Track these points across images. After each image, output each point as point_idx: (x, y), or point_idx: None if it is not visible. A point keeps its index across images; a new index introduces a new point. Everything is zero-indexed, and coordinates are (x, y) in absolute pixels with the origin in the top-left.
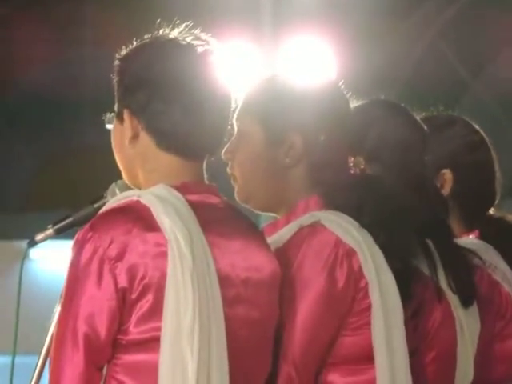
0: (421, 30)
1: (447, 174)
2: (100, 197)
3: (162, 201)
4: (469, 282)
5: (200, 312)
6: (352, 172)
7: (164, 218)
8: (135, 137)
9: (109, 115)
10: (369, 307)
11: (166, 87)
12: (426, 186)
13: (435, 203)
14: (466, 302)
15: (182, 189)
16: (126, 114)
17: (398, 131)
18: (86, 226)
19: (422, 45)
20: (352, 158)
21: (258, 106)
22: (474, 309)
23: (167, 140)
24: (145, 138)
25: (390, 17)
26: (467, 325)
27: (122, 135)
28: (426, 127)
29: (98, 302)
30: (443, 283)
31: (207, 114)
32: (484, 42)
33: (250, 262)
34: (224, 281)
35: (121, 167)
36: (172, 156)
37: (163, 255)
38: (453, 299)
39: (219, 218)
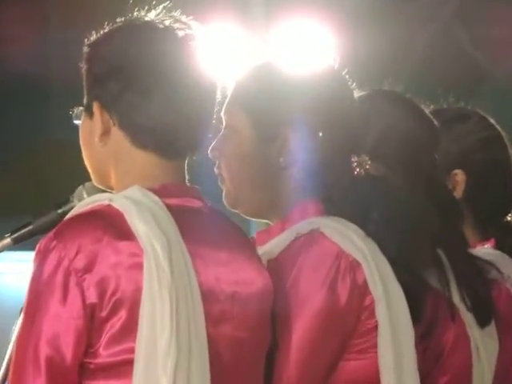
0: (431, 10)
1: (459, 174)
2: (65, 201)
3: (137, 205)
4: (486, 297)
5: (178, 332)
6: (356, 173)
7: (139, 225)
8: (106, 133)
9: (77, 109)
10: (375, 327)
11: (140, 76)
12: (436, 189)
13: (447, 209)
14: (482, 321)
15: (161, 192)
16: (95, 107)
17: (404, 126)
18: (50, 234)
19: (432, 28)
20: (356, 157)
21: (248, 97)
22: (492, 328)
23: (143, 136)
24: (117, 135)
25: None
26: (484, 346)
27: (92, 131)
28: (436, 122)
29: (63, 320)
30: (456, 299)
31: (189, 106)
32: (504, 23)
33: (238, 274)
34: (207, 296)
35: (89, 168)
36: (149, 154)
37: (138, 267)
38: (467, 317)
39: (203, 225)
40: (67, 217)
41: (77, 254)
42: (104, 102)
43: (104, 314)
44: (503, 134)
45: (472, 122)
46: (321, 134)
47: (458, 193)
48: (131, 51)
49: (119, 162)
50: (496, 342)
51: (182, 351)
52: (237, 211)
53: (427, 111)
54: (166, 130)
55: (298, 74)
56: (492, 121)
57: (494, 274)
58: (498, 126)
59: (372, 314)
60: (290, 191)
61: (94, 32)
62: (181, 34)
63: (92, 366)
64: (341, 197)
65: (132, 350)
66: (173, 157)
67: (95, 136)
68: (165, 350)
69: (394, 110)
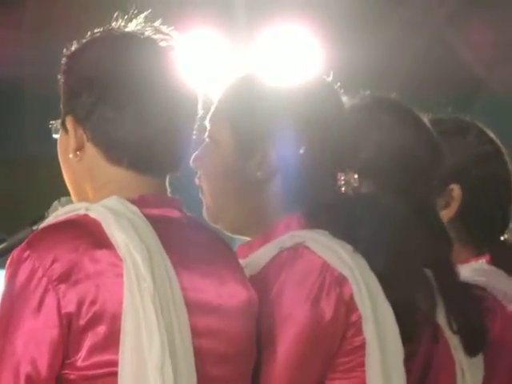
0: (424, 14)
1: (455, 189)
2: (41, 217)
3: (114, 214)
4: (478, 327)
5: (169, 345)
6: (342, 191)
7: (117, 234)
8: (79, 148)
9: (56, 123)
10: (362, 345)
11: (114, 89)
12: (427, 215)
13: (436, 235)
14: (472, 351)
15: (140, 202)
16: (68, 122)
17: (403, 144)
18: (22, 245)
19: (424, 33)
20: (343, 175)
21: (230, 109)
22: (479, 356)
23: (116, 152)
24: (91, 150)
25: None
26: (469, 370)
27: (67, 146)
28: (439, 141)
29: (37, 331)
30: (442, 321)
31: (166, 120)
32: (500, 28)
33: (222, 287)
34: (192, 308)
35: (67, 183)
36: (124, 170)
37: (117, 277)
38: (453, 339)
39: (184, 236)
40: (41, 226)
41: (52, 263)
42: (77, 116)
43: (82, 323)
44: (503, 149)
45: (471, 135)
46: (302, 151)
47: (453, 208)
48: (106, 63)
49: (94, 178)
50: (482, 365)
51: (173, 365)
52: (217, 226)
53: (428, 125)
54: (141, 145)
55: (282, 88)
56: (491, 135)
57: (491, 300)
58: (497, 141)
59: (359, 331)
60: (271, 206)
61: (73, 43)
62: (160, 45)
63: (72, 377)
64: (323, 213)
65: (114, 363)
66: (149, 172)
67: (69, 151)
68: (158, 363)
69: (393, 125)
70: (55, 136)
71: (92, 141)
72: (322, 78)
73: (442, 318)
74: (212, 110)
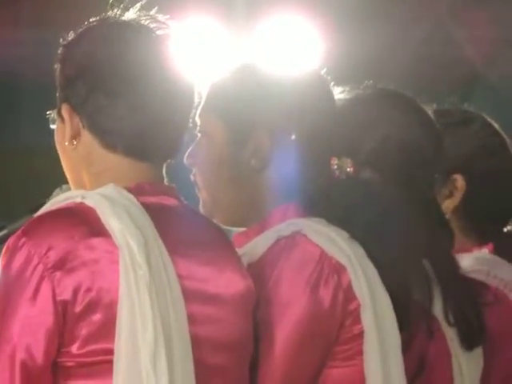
0: (423, 9)
1: (459, 180)
2: (41, 204)
3: (110, 202)
4: (475, 320)
5: (163, 331)
6: (336, 175)
7: (113, 221)
8: (75, 136)
9: (53, 112)
10: (361, 334)
11: (108, 77)
12: (428, 206)
13: (437, 228)
14: (469, 345)
15: (136, 190)
16: (64, 110)
17: (408, 136)
18: (18, 232)
19: (424, 27)
20: (336, 160)
21: (221, 100)
22: (478, 349)
23: (111, 138)
24: (87, 137)
25: None
26: (466, 363)
27: (64, 135)
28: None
29: (33, 318)
30: (439, 313)
31: (161, 109)
32: (497, 22)
33: (220, 276)
34: (189, 296)
35: (65, 171)
36: (120, 157)
37: (113, 264)
38: (449, 332)
39: (180, 224)
40: (37, 214)
41: (48, 250)
42: (73, 104)
43: (77, 311)
44: (508, 141)
45: (476, 127)
46: (293, 137)
47: (457, 198)
48: (100, 52)
49: (91, 165)
50: (480, 358)
51: (167, 352)
52: (214, 220)
53: (432, 118)
54: (135, 132)
55: (274, 77)
56: (496, 126)
57: (492, 293)
58: (501, 132)
59: (357, 320)
60: (266, 195)
61: (71, 32)
62: (156, 33)
63: (69, 365)
64: (320, 201)
65: (110, 351)
66: (145, 159)
67: (66, 139)
68: (151, 350)
69: (398, 117)
70: (52, 126)
71: (88, 128)
72: (311, 66)
73: (439, 310)
74: (203, 103)
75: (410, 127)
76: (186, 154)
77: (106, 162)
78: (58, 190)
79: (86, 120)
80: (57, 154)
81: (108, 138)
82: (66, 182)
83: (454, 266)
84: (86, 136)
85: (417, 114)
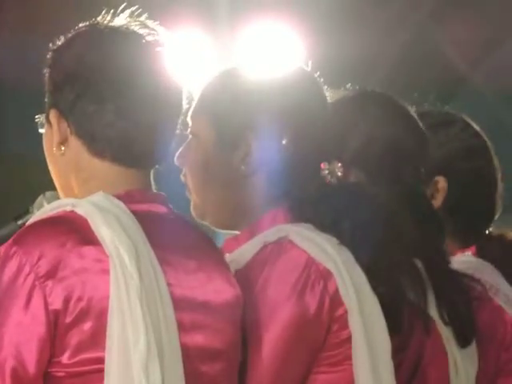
0: (405, 12)
1: (441, 181)
2: (25, 212)
3: (101, 210)
4: (467, 318)
5: (155, 340)
6: (327, 181)
7: (104, 230)
8: (63, 142)
9: (42, 117)
10: (349, 338)
11: (96, 83)
12: (418, 202)
13: (428, 223)
14: (463, 342)
15: (126, 197)
16: (52, 115)
17: (391, 134)
18: (9, 241)
19: (406, 30)
20: (327, 165)
21: (211, 103)
22: (472, 344)
23: (99, 145)
24: (75, 143)
25: None
26: (462, 361)
27: (52, 140)
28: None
29: (25, 328)
30: (433, 312)
31: (149, 115)
32: (485, 24)
33: (208, 283)
34: (179, 303)
35: (53, 177)
36: (108, 163)
37: (103, 273)
38: (445, 331)
39: (170, 231)
40: (28, 223)
41: (39, 259)
42: (61, 109)
43: (69, 320)
44: (488, 143)
45: (457, 128)
46: (284, 142)
47: (439, 200)
48: (90, 57)
49: (79, 171)
50: (475, 356)
51: (160, 360)
52: (205, 223)
53: (415, 116)
54: (122, 138)
55: (264, 80)
56: (477, 128)
57: (474, 285)
58: (483, 134)
59: (345, 325)
60: (256, 200)
61: (60, 37)
62: (146, 39)
63: (60, 375)
64: (308, 206)
65: (101, 360)
66: (133, 165)
67: (54, 145)
68: (144, 359)
69: (382, 115)
70: (41, 131)
71: (75, 134)
72: (302, 68)
73: (433, 310)
74: (193, 106)
75: (393, 125)
76: (177, 154)
77: (95, 169)
78: (41, 196)
79: (74, 126)
80: (43, 162)
81: (96, 145)
82: (54, 188)
83: (446, 262)
84: (74, 142)
85: (399, 110)
